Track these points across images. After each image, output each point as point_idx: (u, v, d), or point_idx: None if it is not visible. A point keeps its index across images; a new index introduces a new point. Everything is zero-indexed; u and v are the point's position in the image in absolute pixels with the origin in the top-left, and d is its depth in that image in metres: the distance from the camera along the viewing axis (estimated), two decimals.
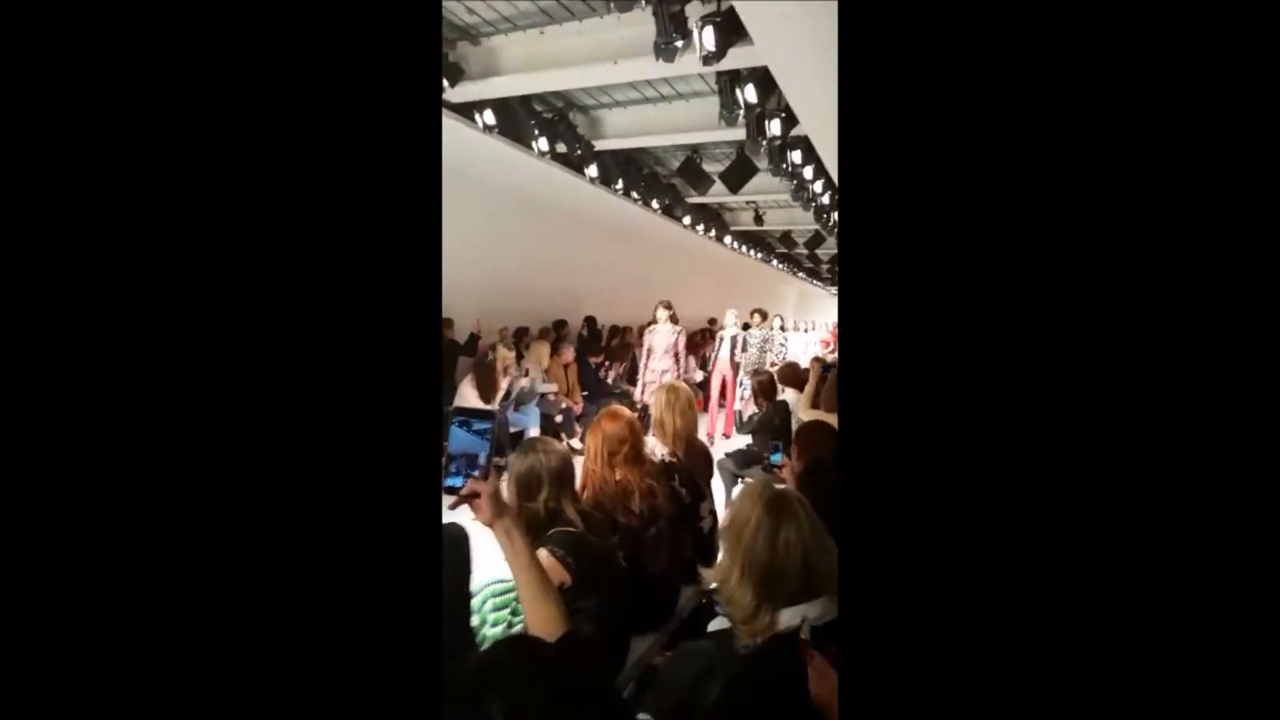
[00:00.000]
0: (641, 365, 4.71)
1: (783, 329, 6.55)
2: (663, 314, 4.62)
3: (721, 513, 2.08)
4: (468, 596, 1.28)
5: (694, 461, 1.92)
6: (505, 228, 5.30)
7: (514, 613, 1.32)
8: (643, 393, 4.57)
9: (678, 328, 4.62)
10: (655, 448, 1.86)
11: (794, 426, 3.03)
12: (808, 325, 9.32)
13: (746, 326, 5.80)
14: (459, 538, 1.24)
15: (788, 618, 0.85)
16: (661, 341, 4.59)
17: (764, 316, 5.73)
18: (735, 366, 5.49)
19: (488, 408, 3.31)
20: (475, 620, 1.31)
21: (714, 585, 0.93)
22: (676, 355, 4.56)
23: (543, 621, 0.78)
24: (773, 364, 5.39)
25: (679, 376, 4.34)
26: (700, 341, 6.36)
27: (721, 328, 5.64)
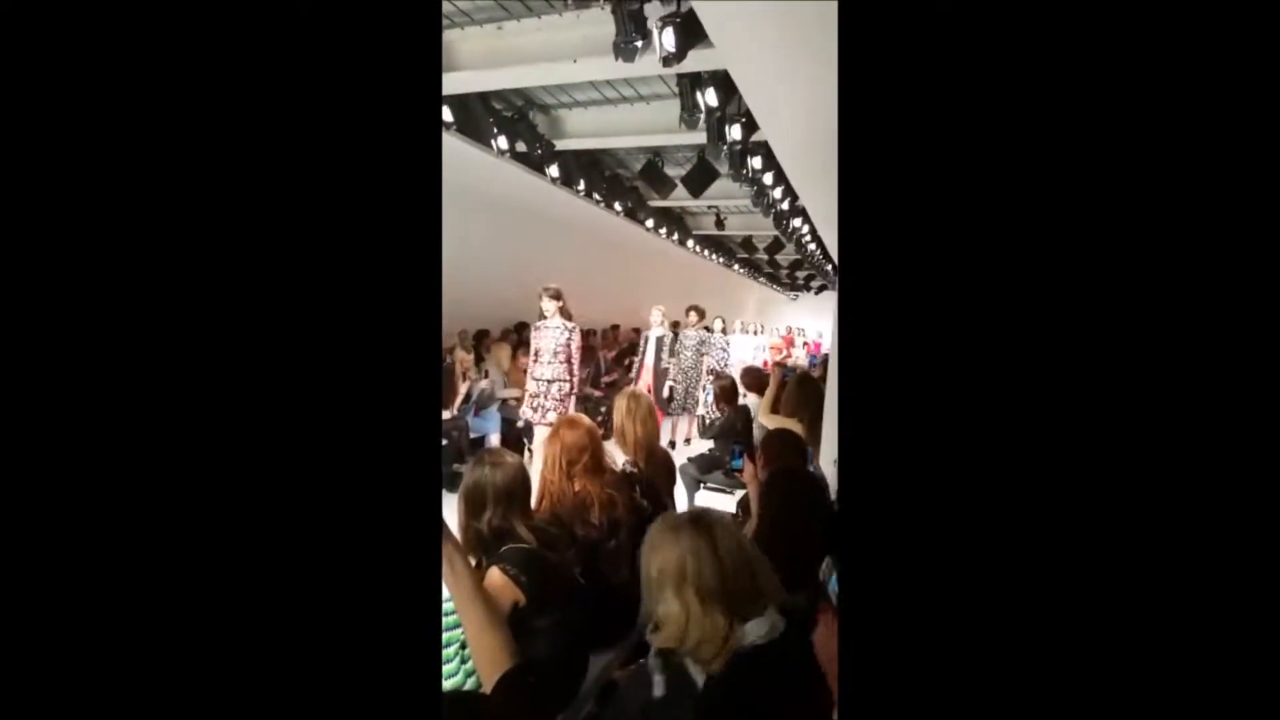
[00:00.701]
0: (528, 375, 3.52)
1: (724, 331, 5.87)
2: (549, 306, 3.35)
3: None
4: None
5: (656, 471, 1.88)
6: (465, 228, 5.17)
7: None
8: (534, 412, 3.41)
9: (570, 324, 3.39)
10: (616, 456, 1.81)
11: (755, 431, 3.04)
12: (755, 327, 8.53)
13: (677, 326, 5.19)
14: None
15: (750, 632, 0.82)
16: (549, 341, 3.35)
17: (701, 315, 4.98)
18: (661, 373, 4.72)
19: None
20: None
21: (670, 646, 0.84)
22: (569, 360, 3.36)
23: (488, 654, 0.72)
24: (711, 370, 4.93)
25: (575, 388, 3.44)
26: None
27: (649, 328, 4.90)
